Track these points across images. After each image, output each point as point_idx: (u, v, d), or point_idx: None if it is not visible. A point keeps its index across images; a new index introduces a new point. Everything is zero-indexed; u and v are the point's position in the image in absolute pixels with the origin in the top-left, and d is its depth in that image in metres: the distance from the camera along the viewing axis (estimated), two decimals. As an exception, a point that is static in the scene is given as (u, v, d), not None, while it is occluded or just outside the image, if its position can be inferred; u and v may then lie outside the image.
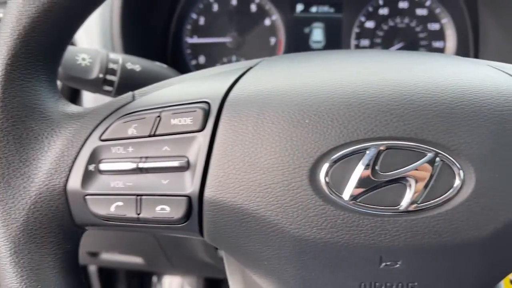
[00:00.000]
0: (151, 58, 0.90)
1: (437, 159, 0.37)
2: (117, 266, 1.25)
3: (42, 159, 0.40)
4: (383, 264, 0.38)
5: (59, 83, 0.56)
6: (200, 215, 0.40)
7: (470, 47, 0.95)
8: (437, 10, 0.98)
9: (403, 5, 0.99)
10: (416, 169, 0.37)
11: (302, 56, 0.47)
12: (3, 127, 0.39)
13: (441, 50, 0.99)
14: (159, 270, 1.35)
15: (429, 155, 0.37)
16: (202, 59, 1.01)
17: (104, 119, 0.41)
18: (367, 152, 0.37)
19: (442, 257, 0.38)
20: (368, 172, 0.37)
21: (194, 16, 1.00)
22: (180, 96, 0.42)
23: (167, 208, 0.39)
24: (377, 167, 0.37)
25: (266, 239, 0.39)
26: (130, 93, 0.44)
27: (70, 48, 0.56)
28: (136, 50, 0.81)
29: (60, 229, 0.40)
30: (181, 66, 1.00)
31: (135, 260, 1.10)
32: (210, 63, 1.00)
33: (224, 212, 0.39)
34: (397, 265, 0.38)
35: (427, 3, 0.98)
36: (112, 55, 0.57)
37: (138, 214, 0.39)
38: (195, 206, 0.39)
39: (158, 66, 0.62)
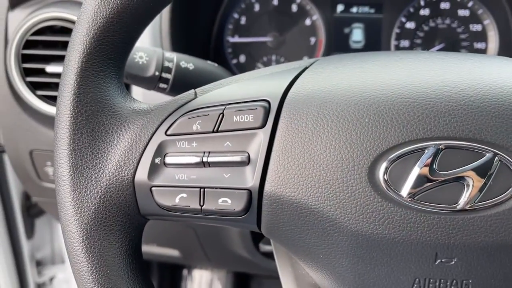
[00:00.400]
0: (197, 56, 0.93)
1: (496, 159, 0.38)
2: (153, 258, 1.28)
3: (112, 151, 0.42)
4: (438, 260, 0.39)
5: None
6: (259, 208, 0.42)
7: (513, 49, 0.95)
8: (479, 11, 0.98)
9: (444, 5, 0.99)
10: (474, 169, 0.38)
11: (356, 56, 0.49)
12: (77, 121, 0.41)
13: (483, 51, 0.98)
14: (193, 263, 1.38)
15: (488, 155, 0.38)
16: (242, 58, 1.03)
17: (169, 115, 0.43)
18: (426, 151, 0.38)
19: (497, 256, 0.38)
20: (426, 170, 0.38)
21: (235, 15, 1.02)
22: (241, 94, 0.44)
23: (229, 201, 0.41)
24: (435, 166, 0.38)
25: (324, 233, 0.40)
26: (192, 91, 0.46)
27: (128, 47, 0.59)
28: (182, 50, 0.83)
29: (126, 218, 0.43)
30: (222, 64, 1.01)
31: (172, 252, 1.13)
32: (250, 62, 1.02)
33: (282, 206, 0.41)
34: (452, 262, 0.39)
35: (469, 4, 0.98)
36: (168, 54, 0.60)
37: (201, 206, 0.41)
38: (255, 200, 0.41)
39: (210, 65, 0.64)
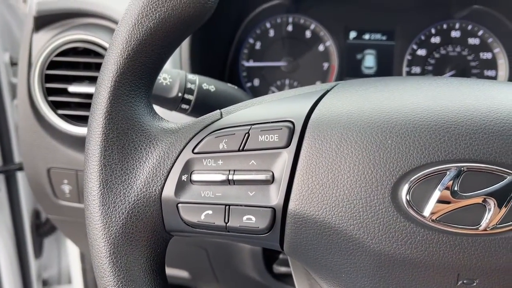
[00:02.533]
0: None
1: (516, 182, 0.39)
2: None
3: (141, 168, 0.43)
4: (460, 282, 0.40)
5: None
6: (282, 226, 0.42)
7: (523, 77, 0.96)
8: (489, 40, 1.00)
9: (455, 34, 1.01)
10: (495, 191, 0.39)
11: (376, 81, 0.50)
12: (108, 138, 0.43)
13: (493, 79, 1.00)
14: (201, 285, 1.37)
15: (509, 178, 0.39)
16: (256, 82, 1.05)
17: (196, 134, 0.45)
18: (448, 173, 0.39)
19: None
20: (448, 192, 0.39)
21: (251, 41, 1.04)
22: (266, 115, 0.45)
23: (253, 218, 0.42)
24: (457, 188, 0.39)
25: (346, 252, 0.41)
26: (218, 111, 0.47)
27: (153, 68, 0.61)
28: (200, 73, 0.86)
29: (152, 234, 0.44)
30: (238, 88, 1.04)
31: (181, 273, 1.13)
32: (264, 86, 1.04)
33: (306, 224, 0.41)
34: (474, 284, 0.39)
35: (479, 33, 1.00)
36: (190, 76, 0.62)
37: (226, 223, 0.42)
38: (278, 218, 0.42)
39: (230, 88, 0.66)
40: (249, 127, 0.44)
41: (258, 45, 1.05)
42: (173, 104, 0.60)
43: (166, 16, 0.42)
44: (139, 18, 0.43)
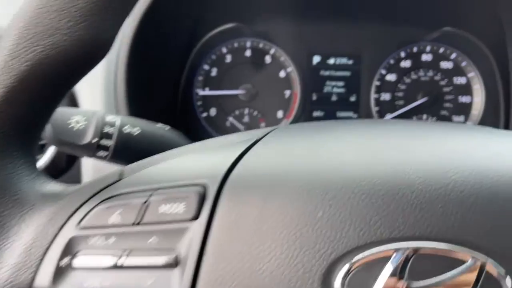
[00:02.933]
0: (159, 111, 0.86)
1: (480, 266, 0.30)
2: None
3: (9, 251, 0.34)
4: None
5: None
6: None
7: (500, 103, 0.89)
8: (463, 63, 0.93)
9: (426, 57, 0.94)
10: (454, 278, 0.30)
11: (318, 128, 0.42)
12: None
13: (467, 106, 0.93)
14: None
15: (469, 261, 0.30)
16: (213, 112, 0.96)
17: (85, 202, 0.35)
18: (394, 255, 0.30)
19: None
20: (394, 280, 0.30)
21: (206, 67, 0.96)
22: (173, 176, 0.36)
23: None
24: (405, 274, 0.30)
25: None
26: (118, 170, 0.38)
27: (62, 110, 0.52)
28: (143, 107, 0.77)
29: None
30: (191, 119, 0.95)
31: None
32: (221, 116, 0.96)
33: None
34: None
35: (452, 56, 0.93)
36: (110, 117, 0.53)
37: None
38: None
39: (159, 129, 0.57)
40: (149, 193, 0.35)
41: (214, 72, 0.96)
42: (88, 151, 0.51)
43: (42, 57, 0.34)
44: (7, 59, 0.34)
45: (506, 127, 0.88)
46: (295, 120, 0.95)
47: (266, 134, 0.40)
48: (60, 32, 0.33)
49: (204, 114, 0.96)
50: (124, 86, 0.72)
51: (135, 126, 0.54)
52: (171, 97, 0.91)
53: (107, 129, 0.51)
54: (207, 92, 0.96)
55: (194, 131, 0.95)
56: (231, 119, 0.96)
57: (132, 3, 0.36)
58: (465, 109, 0.93)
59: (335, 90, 0.96)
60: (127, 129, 0.53)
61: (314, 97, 0.96)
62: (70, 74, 0.36)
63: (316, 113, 0.96)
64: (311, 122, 0.44)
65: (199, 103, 0.96)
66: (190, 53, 0.93)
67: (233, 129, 0.96)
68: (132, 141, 0.53)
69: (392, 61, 0.94)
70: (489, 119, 0.91)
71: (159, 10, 0.74)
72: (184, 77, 0.93)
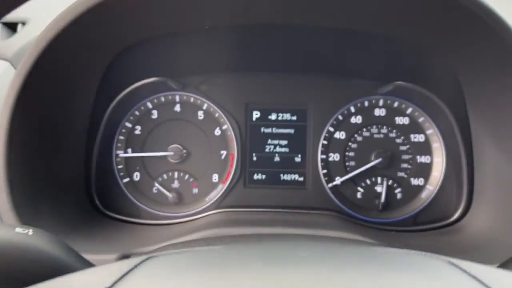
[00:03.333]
0: (67, 181, 0.71)
1: None
2: None
3: None
4: None
5: None
6: None
7: (462, 163, 0.78)
8: (420, 119, 0.82)
9: (379, 112, 0.83)
10: None
11: (192, 260, 0.29)
12: None
13: (427, 166, 0.82)
14: None
15: None
16: (137, 176, 0.83)
17: None
18: None
19: None
20: None
21: (128, 124, 0.83)
22: None
23: None
24: None
25: None
26: None
27: None
28: (39, 175, 0.63)
29: None
30: (111, 185, 0.81)
31: None
32: (146, 181, 0.82)
33: None
34: None
35: (408, 111, 0.82)
36: None
37: None
38: None
39: (19, 236, 0.42)
40: None
41: (137, 130, 0.83)
42: None
43: None
44: None
45: (470, 191, 0.77)
46: (233, 185, 0.82)
47: (138, 264, 0.29)
48: None
49: (126, 180, 0.82)
50: (4, 159, 0.58)
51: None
52: (82, 162, 0.77)
53: None
54: (129, 154, 0.82)
55: (114, 200, 0.81)
56: (158, 185, 0.82)
57: None
58: (424, 171, 0.82)
59: (278, 149, 0.84)
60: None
61: (254, 158, 0.83)
62: None
63: (257, 176, 0.83)
64: (189, 252, 0.31)
65: (120, 166, 0.82)
66: (106, 109, 0.79)
67: (161, 197, 0.82)
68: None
69: (340, 117, 0.82)
70: (450, 182, 0.80)
71: (58, 55, 0.60)
72: (100, 137, 0.79)
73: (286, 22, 0.64)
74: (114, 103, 0.80)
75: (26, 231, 0.43)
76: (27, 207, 0.60)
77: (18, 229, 0.43)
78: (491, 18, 0.55)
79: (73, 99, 0.70)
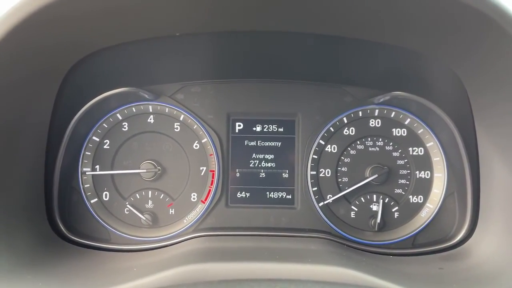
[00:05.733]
0: (23, 205, 0.62)
1: None
2: None
3: None
4: None
5: None
6: None
7: (467, 180, 0.70)
8: (419, 131, 0.74)
9: (374, 123, 0.75)
10: None
11: None
12: None
13: (427, 182, 0.74)
14: None
15: None
16: (105, 196, 0.74)
17: None
18: None
19: None
20: None
21: (95, 138, 0.74)
22: None
23: None
24: None
25: None
26: None
27: None
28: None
29: None
30: (76, 206, 0.73)
31: None
32: (116, 201, 0.74)
33: None
34: None
35: (406, 121, 0.75)
36: None
37: None
38: None
39: None
40: None
41: (106, 145, 0.74)
42: None
43: None
44: None
45: (475, 210, 0.69)
46: (213, 204, 0.74)
47: None
48: None
49: (94, 200, 0.73)
50: None
51: None
52: (42, 180, 0.68)
53: None
54: (97, 171, 0.74)
55: (80, 223, 0.72)
56: (129, 205, 0.74)
57: None
58: (424, 187, 0.74)
59: (264, 164, 0.76)
60: None
61: (237, 174, 0.75)
62: None
63: (241, 195, 0.75)
64: None
65: (87, 185, 0.73)
66: (69, 121, 0.70)
67: (133, 219, 0.74)
68: None
69: (332, 129, 0.75)
70: (452, 200, 0.73)
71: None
72: (63, 152, 0.70)
73: (272, 29, 0.55)
74: (78, 114, 0.71)
75: None
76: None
77: None
78: (505, 20, 0.48)
79: (27, 109, 0.61)
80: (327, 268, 0.57)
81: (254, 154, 0.76)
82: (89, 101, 0.71)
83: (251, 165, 0.76)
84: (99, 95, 0.71)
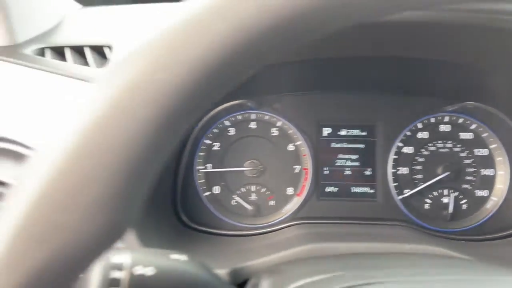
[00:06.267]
0: (160, 194, 0.77)
1: None
2: None
3: None
4: None
5: None
6: None
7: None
8: (484, 134, 0.86)
9: (444, 128, 0.87)
10: None
11: None
12: None
13: (491, 179, 0.86)
14: None
15: None
16: (216, 190, 0.88)
17: None
18: None
19: None
20: None
21: (207, 141, 0.88)
22: None
23: None
24: None
25: None
26: None
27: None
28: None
29: None
30: (193, 197, 0.86)
31: None
32: (226, 195, 0.87)
33: None
34: None
35: (472, 126, 0.87)
36: (117, 258, 0.43)
37: None
38: None
39: (177, 264, 0.47)
40: None
41: (216, 146, 0.88)
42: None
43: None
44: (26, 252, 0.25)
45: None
46: (307, 197, 0.87)
47: None
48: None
49: (207, 193, 0.87)
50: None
51: (147, 265, 0.45)
52: (172, 179, 0.82)
53: (114, 274, 0.42)
54: (209, 169, 0.87)
55: (196, 211, 0.86)
56: (236, 197, 0.87)
57: (145, 184, 0.28)
58: (488, 183, 0.86)
59: (349, 163, 0.88)
60: (138, 270, 0.44)
61: (326, 172, 0.88)
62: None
63: (329, 189, 0.88)
64: None
65: (201, 181, 0.87)
66: (192, 128, 0.84)
67: (239, 209, 0.87)
68: (146, 284, 0.44)
69: (409, 133, 0.87)
70: (515, 194, 0.85)
71: None
72: (186, 154, 0.84)
73: (375, 56, 0.68)
74: (200, 124, 0.85)
75: (181, 257, 0.48)
76: (141, 227, 0.65)
77: (174, 256, 0.48)
78: None
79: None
80: (412, 246, 0.69)
81: (340, 155, 0.89)
82: (210, 113, 0.86)
83: (337, 164, 0.88)
84: (218, 106, 0.86)
